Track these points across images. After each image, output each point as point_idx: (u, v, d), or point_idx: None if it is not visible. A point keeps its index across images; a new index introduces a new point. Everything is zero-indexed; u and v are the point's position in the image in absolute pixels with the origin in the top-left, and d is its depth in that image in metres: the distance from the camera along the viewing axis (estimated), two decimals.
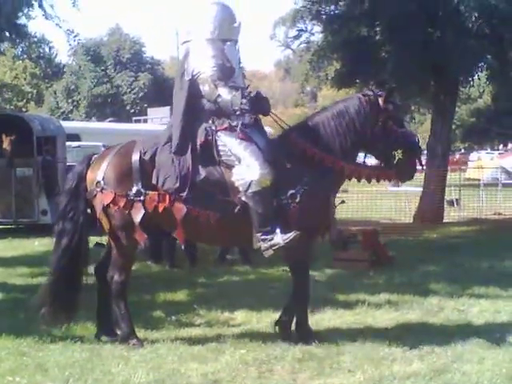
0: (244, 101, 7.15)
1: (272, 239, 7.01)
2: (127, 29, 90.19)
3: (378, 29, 18.99)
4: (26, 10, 16.75)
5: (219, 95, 7.23)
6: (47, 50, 64.40)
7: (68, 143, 20.32)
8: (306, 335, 7.39)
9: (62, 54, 77.89)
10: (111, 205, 7.25)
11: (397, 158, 7.43)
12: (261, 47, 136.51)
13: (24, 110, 56.06)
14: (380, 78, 18.96)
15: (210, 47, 7.42)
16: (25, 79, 59.20)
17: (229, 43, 7.61)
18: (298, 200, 7.07)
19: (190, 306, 8.97)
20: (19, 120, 19.29)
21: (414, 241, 15.77)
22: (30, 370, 6.48)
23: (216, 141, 7.21)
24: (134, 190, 7.20)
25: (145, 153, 7.30)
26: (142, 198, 7.20)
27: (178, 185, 7.11)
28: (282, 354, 6.94)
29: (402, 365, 6.61)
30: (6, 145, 17.76)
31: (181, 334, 7.74)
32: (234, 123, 7.24)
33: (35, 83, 61.36)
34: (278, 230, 7.01)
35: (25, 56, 54.44)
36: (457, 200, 22.55)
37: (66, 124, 24.96)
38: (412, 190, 22.02)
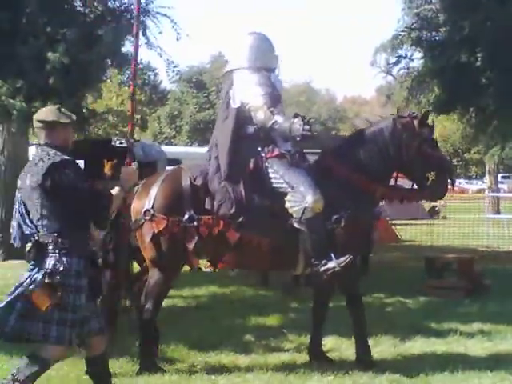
0: (307, 127, 7.08)
1: (326, 264, 7.01)
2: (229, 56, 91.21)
3: (478, 55, 18.73)
4: (131, 38, 17.19)
5: (276, 121, 7.25)
6: (152, 77, 65.94)
7: (169, 167, 20.61)
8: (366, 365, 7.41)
9: (167, 81, 79.33)
10: (164, 231, 7.21)
11: (430, 179, 7.57)
12: (362, 73, 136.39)
13: None
14: (480, 104, 18.73)
15: (255, 75, 7.49)
16: None
17: (271, 72, 7.70)
18: (342, 224, 7.10)
19: (280, 331, 8.99)
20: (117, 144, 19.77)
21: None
22: None
23: (267, 168, 7.28)
24: (187, 215, 7.17)
25: (195, 178, 7.33)
26: (195, 223, 7.18)
27: (233, 210, 7.12)
28: (369, 381, 6.92)
29: None
30: (107, 169, 18.19)
31: (269, 358, 7.76)
32: (284, 150, 7.32)
33: (140, 109, 62.71)
34: (332, 255, 7.02)
35: (130, 82, 55.90)
36: None
37: (168, 149, 25.40)
38: None
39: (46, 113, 5.61)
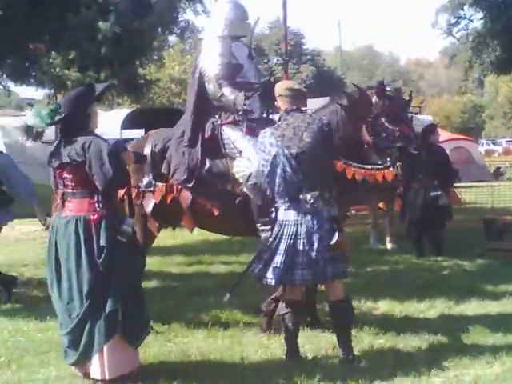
0: (247, 102, 7.34)
1: (269, 230, 6.72)
2: (288, 21, 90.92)
3: None
4: (192, 7, 17.39)
5: (222, 94, 7.49)
6: None
7: None
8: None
9: None
10: (123, 197, 7.21)
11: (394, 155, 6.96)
12: (426, 35, 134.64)
13: None
14: None
15: (219, 45, 7.71)
16: None
17: (239, 40, 7.94)
18: None
19: None
20: (180, 113, 19.95)
21: None
22: (172, 356, 6.69)
23: (221, 134, 7.52)
24: (145, 181, 7.59)
25: (155, 145, 7.68)
26: (152, 188, 7.58)
27: (185, 176, 7.43)
28: (421, 344, 6.93)
29: None
30: None
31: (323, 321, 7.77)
32: (239, 117, 7.50)
33: None
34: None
35: (193, 51, 56.13)
36: None
37: None
38: None
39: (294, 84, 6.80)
